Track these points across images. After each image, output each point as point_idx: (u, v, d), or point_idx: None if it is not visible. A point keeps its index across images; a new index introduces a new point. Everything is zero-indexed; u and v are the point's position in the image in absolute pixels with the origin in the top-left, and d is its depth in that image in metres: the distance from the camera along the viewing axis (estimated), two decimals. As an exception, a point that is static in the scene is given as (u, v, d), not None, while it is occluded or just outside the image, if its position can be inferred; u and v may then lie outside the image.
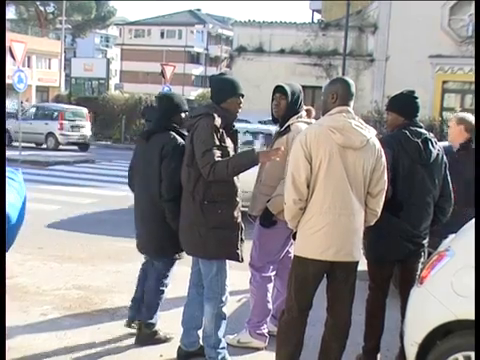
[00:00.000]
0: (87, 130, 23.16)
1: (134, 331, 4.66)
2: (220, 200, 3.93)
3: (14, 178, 3.26)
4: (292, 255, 3.78)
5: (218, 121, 3.90)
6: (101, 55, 69.37)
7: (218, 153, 3.83)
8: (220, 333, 4.11)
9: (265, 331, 4.62)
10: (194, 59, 73.51)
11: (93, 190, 12.85)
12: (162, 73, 25.19)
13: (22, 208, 3.27)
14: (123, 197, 12.30)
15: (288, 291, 3.76)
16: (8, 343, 4.40)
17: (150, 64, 61.01)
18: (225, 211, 3.94)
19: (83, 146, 23.09)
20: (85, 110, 23.67)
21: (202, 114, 4.00)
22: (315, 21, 29.70)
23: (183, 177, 4.04)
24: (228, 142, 3.98)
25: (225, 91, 4.05)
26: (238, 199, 4.04)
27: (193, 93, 55.14)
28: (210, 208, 3.92)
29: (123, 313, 5.16)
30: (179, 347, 4.34)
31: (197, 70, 72.73)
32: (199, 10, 78.26)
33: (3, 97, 2.27)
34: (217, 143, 3.86)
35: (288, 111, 4.45)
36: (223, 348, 4.14)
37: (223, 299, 4.09)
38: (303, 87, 4.92)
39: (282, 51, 23.68)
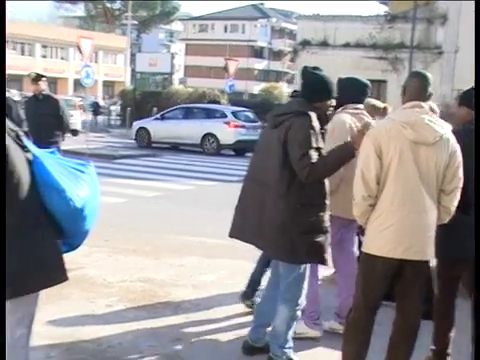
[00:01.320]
0: (76, 119, 22.13)
1: (193, 328, 4.69)
2: (313, 203, 3.78)
3: (84, 171, 3.26)
4: (356, 253, 3.70)
5: (315, 121, 3.72)
6: (165, 50, 70.23)
7: (315, 155, 3.65)
8: (290, 333, 4.05)
9: (319, 321, 4.60)
10: (257, 53, 73.51)
11: (157, 184, 13.00)
12: (226, 67, 25.28)
13: (94, 202, 3.26)
14: (187, 191, 12.45)
15: (356, 289, 3.68)
16: (75, 332, 4.51)
17: (213, 59, 61.42)
18: (317, 215, 3.79)
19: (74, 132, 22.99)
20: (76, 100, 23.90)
21: (294, 112, 3.79)
22: (381, 13, 29.15)
23: (273, 178, 3.81)
24: (321, 143, 3.79)
25: (323, 92, 3.85)
26: (327, 201, 3.88)
27: (256, 87, 55.15)
28: (303, 212, 3.75)
29: (186, 306, 5.21)
30: (245, 340, 4.33)
31: (260, 64, 72.73)
32: (262, 4, 78.17)
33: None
34: (314, 145, 3.67)
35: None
36: (289, 348, 4.08)
37: (299, 302, 3.98)
38: (370, 81, 4.81)
39: (347, 45, 23.34)
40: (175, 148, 21.48)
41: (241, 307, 5.13)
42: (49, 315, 4.59)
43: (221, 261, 6.68)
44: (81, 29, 57.31)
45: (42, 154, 3.10)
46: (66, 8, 69.89)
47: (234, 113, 20.57)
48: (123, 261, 6.56)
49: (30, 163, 3.03)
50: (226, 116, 20.23)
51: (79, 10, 70.56)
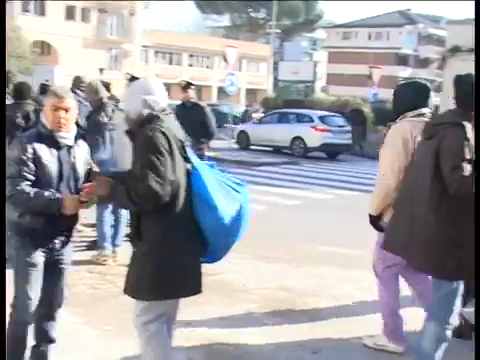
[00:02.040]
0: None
1: (331, 342, 4.61)
2: (463, 217, 3.59)
3: (239, 191, 3.32)
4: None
5: (470, 132, 3.55)
6: (308, 58, 70.38)
7: (468, 168, 3.47)
8: (437, 355, 3.78)
9: (403, 334, 4.44)
10: (402, 61, 71.58)
11: (297, 192, 12.99)
12: (370, 75, 24.84)
13: (242, 222, 3.34)
14: (327, 200, 12.32)
15: None
16: (214, 336, 4.58)
17: (356, 66, 60.61)
18: (467, 229, 3.59)
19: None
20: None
21: (449, 122, 3.64)
22: None
23: (423, 190, 3.66)
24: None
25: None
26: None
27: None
28: (453, 226, 3.58)
29: (323, 317, 5.15)
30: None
31: (405, 72, 70.67)
32: (409, 10, 76.01)
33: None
34: (467, 157, 3.49)
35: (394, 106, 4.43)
36: None
37: (450, 321, 3.75)
38: None
39: (501, 50, 22.03)
40: (305, 157, 21.53)
41: (380, 319, 4.95)
42: (189, 318, 4.70)
43: (360, 272, 6.50)
44: (226, 38, 58.87)
45: (202, 167, 3.19)
46: (213, 19, 72.30)
47: (321, 118, 21.40)
48: (263, 268, 6.60)
49: (189, 174, 3.14)
50: (313, 121, 21.20)
51: (225, 20, 72.71)
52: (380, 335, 4.54)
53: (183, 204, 3.13)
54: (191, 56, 58.91)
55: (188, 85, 8.17)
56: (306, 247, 7.70)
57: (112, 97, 6.95)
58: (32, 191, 3.40)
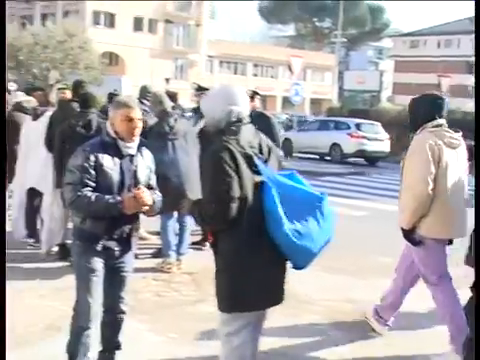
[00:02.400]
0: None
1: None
2: None
3: (317, 203, 3.22)
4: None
5: None
6: (373, 67, 69.52)
7: None
8: None
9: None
10: (473, 69, 69.76)
11: (365, 203, 12.78)
12: (438, 85, 24.31)
13: (321, 236, 3.26)
14: (394, 212, 12.05)
15: None
16: (275, 344, 4.52)
17: (424, 75, 59.44)
18: None
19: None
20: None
21: None
22: None
23: None
24: None
25: None
26: None
27: (470, 105, 52.28)
28: None
29: (392, 332, 4.97)
30: None
31: (475, 81, 68.83)
32: (480, 17, 74.01)
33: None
34: None
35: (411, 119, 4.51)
36: None
37: None
38: None
39: None
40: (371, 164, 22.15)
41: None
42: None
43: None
44: (291, 48, 58.89)
45: (274, 180, 3.13)
46: (278, 28, 72.47)
47: (357, 125, 22.16)
48: (328, 279, 6.49)
49: (258, 186, 3.10)
50: (350, 128, 21.97)
51: (290, 30, 72.76)
52: (450, 351, 4.35)
53: (254, 218, 3.08)
54: (256, 66, 59.20)
55: (254, 94, 8.16)
56: (373, 259, 7.54)
57: (177, 107, 7.02)
58: (93, 195, 3.47)
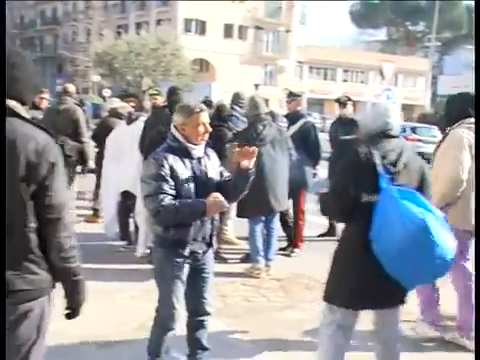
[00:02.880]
0: None
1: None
2: None
3: (426, 224, 3.18)
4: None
5: None
6: (470, 72, 67.11)
7: None
8: None
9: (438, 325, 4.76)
10: None
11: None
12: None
13: (416, 256, 3.26)
14: None
15: None
16: None
17: (523, 80, 56.86)
18: None
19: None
20: None
21: None
22: None
23: None
24: None
25: None
26: None
27: None
28: None
29: None
30: None
31: None
32: None
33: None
34: None
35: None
36: None
37: None
38: None
39: None
40: None
41: None
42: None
43: None
44: (382, 53, 57.86)
45: (387, 192, 3.26)
46: (369, 33, 71.44)
47: (413, 129, 22.92)
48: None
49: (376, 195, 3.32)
50: (405, 131, 21.96)
51: (381, 34, 71.55)
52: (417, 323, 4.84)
53: (363, 222, 3.30)
54: (346, 71, 58.61)
55: (347, 100, 8.07)
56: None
57: (269, 113, 7.02)
58: (176, 202, 3.48)
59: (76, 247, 2.47)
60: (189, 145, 3.64)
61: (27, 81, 2.44)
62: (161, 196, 3.47)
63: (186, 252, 3.62)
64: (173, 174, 3.53)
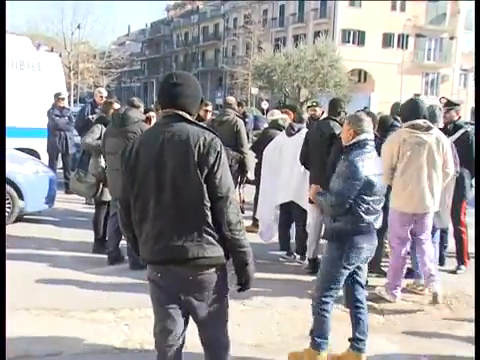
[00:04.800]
0: None
1: None
2: None
3: None
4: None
5: None
6: None
7: None
8: None
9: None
10: None
11: None
12: None
13: None
14: None
15: None
16: None
17: None
18: None
19: None
20: None
21: None
22: None
23: None
24: None
25: None
26: None
27: None
28: None
29: None
30: None
31: None
32: None
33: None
34: None
35: None
36: None
37: None
38: None
39: None
40: None
41: None
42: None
43: None
44: None
45: None
46: None
47: None
48: None
49: None
50: None
51: None
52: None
53: None
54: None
55: (448, 105, 7.55)
56: None
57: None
58: None
59: (243, 222, 2.94)
60: None
61: (189, 96, 2.98)
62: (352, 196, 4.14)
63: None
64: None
